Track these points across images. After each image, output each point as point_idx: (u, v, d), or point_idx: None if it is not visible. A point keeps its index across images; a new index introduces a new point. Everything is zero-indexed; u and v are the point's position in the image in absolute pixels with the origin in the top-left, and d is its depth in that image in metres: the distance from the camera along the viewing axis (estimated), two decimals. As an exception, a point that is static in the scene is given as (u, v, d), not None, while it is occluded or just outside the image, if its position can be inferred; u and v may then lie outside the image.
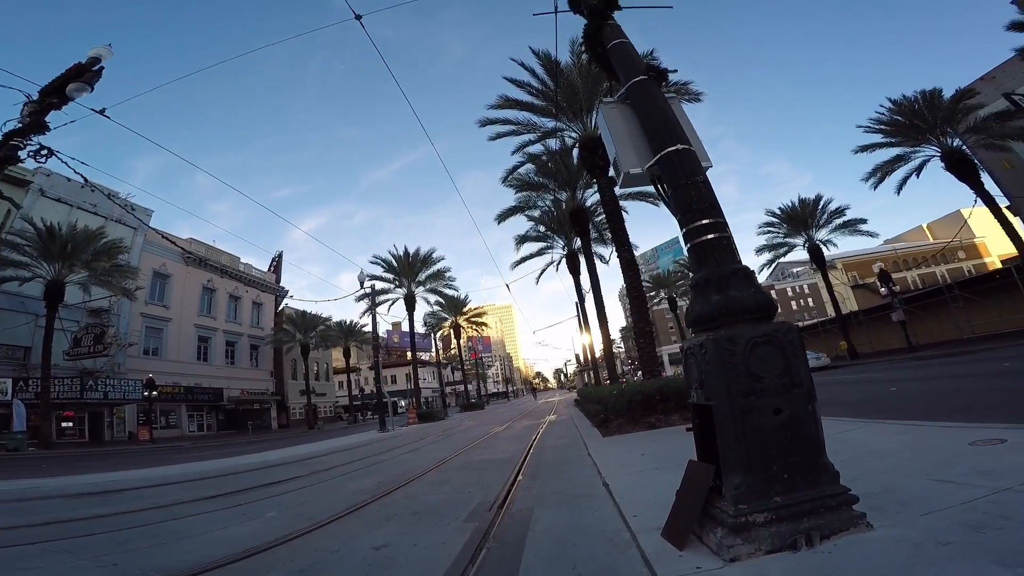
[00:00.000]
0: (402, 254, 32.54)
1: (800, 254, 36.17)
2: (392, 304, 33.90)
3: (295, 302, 52.67)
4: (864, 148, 25.07)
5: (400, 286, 32.91)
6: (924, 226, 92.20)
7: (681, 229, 3.30)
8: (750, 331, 2.70)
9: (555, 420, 15.84)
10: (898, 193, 25.73)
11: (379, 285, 32.64)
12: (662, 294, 55.70)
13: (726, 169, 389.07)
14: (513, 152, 18.66)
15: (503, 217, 22.14)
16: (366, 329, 54.90)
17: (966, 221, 40.64)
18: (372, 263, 32.81)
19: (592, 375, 29.69)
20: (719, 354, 2.67)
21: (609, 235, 25.51)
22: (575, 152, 19.26)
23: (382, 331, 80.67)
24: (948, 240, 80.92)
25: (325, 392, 53.42)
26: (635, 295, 11.88)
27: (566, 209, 22.13)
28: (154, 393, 30.74)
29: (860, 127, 24.87)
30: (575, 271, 25.34)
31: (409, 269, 32.32)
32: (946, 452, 3.85)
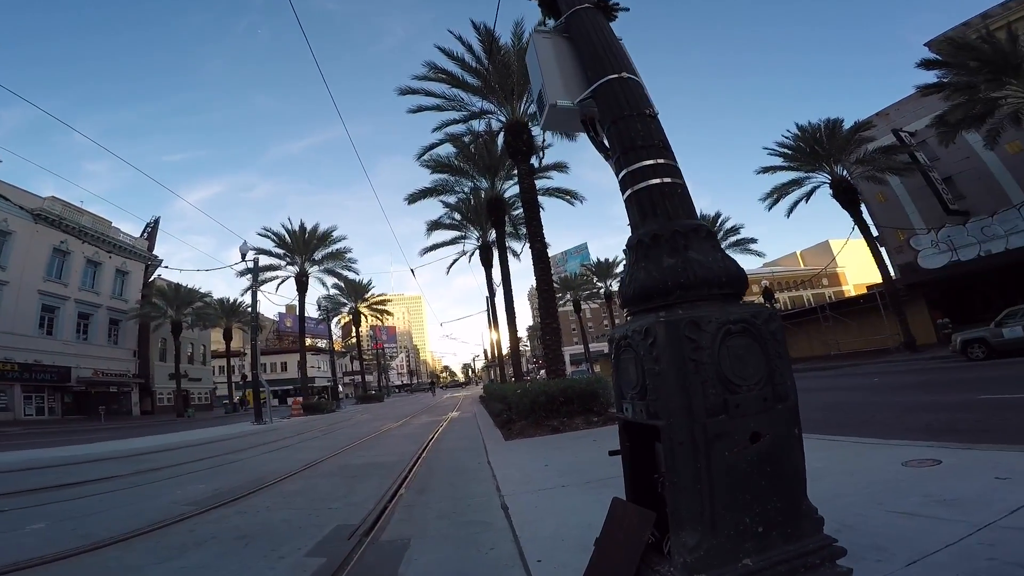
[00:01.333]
0: (297, 229, 29.48)
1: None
2: (282, 283, 30.71)
3: (169, 272, 46.47)
4: (766, 169, 26.66)
5: (292, 264, 29.87)
6: (797, 253, 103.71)
7: (618, 174, 2.41)
8: (720, 313, 1.88)
9: (457, 417, 14.88)
10: (788, 216, 27.88)
11: (268, 261, 29.52)
12: (568, 296, 56.87)
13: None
14: (434, 129, 17.26)
15: (415, 198, 20.58)
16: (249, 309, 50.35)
17: (835, 256, 45.92)
18: (261, 235, 29.42)
19: (498, 372, 29.11)
20: (676, 347, 1.81)
21: (524, 230, 25.07)
22: (500, 139, 18.43)
23: (273, 314, 75.02)
24: (818, 268, 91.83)
25: (200, 377, 47.89)
26: (544, 288, 11.23)
27: (484, 198, 21.18)
28: (-31, 369, 25.21)
29: (765, 149, 26.45)
30: (487, 263, 24.49)
31: (304, 246, 29.36)
32: (885, 475, 3.42)
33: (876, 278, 24.86)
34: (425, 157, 19.37)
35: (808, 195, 26.99)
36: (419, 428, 12.06)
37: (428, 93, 15.41)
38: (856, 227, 24.21)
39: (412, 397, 54.66)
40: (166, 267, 44.42)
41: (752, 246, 34.49)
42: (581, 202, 20.88)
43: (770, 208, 27.51)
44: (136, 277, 42.26)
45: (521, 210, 23.67)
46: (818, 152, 24.88)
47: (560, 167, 20.27)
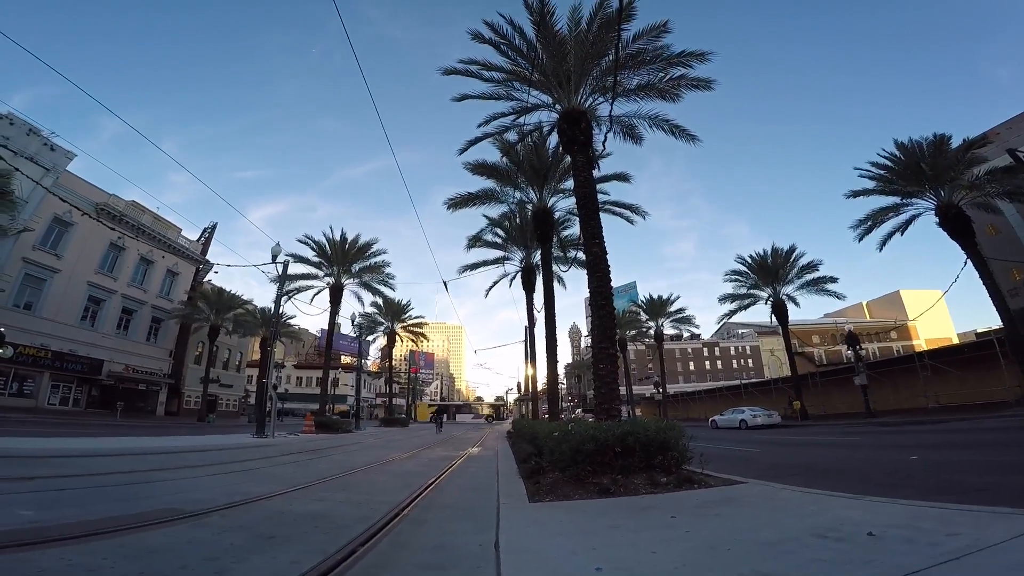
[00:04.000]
0: (337, 239, 28.29)
1: (753, 315, 36.28)
2: (317, 294, 29.35)
3: (214, 277, 46.80)
4: (856, 193, 23.65)
5: (330, 275, 28.57)
6: (864, 304, 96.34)
7: None
8: None
9: (476, 455, 12.40)
10: (880, 249, 24.52)
11: (306, 269, 28.40)
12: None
13: (688, 225, 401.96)
14: (479, 125, 15.41)
15: (457, 204, 18.65)
16: (293, 321, 49.71)
17: (926, 311, 41.15)
18: (301, 242, 28.42)
19: (531, 407, 26.37)
20: None
21: (572, 253, 22.76)
22: (551, 141, 16.51)
23: (316, 330, 75.04)
24: (887, 320, 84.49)
25: (232, 384, 47.40)
26: (601, 303, 8.73)
27: (531, 211, 19.14)
28: (-7, 352, 24.47)
29: (857, 169, 23.55)
30: (530, 287, 22.18)
31: (342, 256, 28.05)
32: None
33: (947, 334, 21.33)
34: (469, 160, 17.65)
35: (906, 225, 23.66)
36: (425, 465, 9.64)
37: (470, 74, 13.49)
38: (969, 259, 20.36)
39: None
40: (216, 272, 44.69)
41: (831, 286, 30.67)
42: (644, 218, 18.56)
43: (860, 239, 24.39)
44: (185, 279, 42.66)
45: (569, 231, 21.59)
46: (922, 173, 21.37)
47: (622, 177, 18.04)
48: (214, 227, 48.97)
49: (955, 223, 20.92)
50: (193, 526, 3.92)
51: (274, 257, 19.42)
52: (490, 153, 17.24)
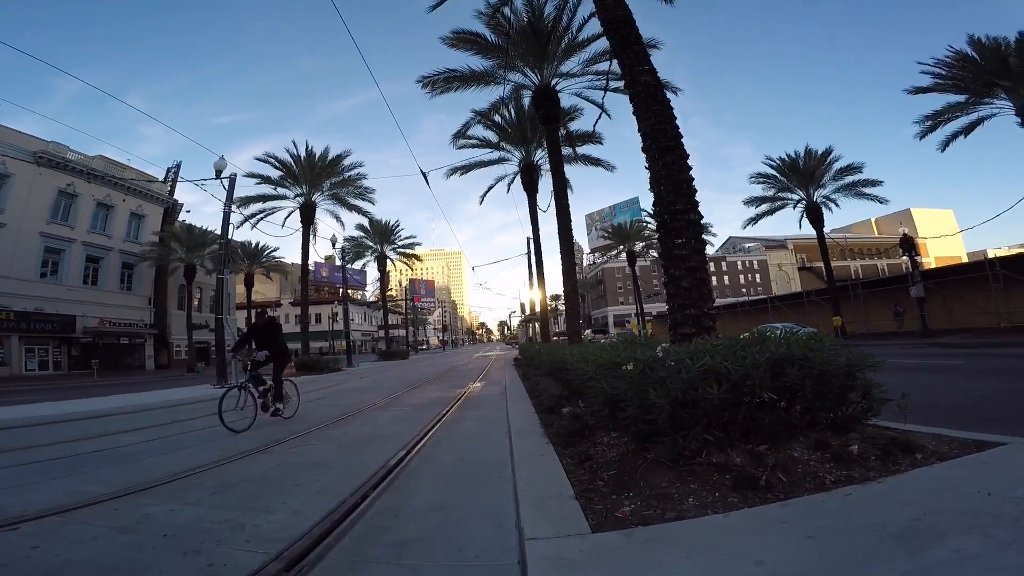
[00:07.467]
0: (303, 154, 24.26)
1: (761, 228, 35.15)
2: (289, 216, 25.92)
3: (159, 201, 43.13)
4: (920, 90, 21.23)
5: (300, 195, 24.85)
6: (872, 220, 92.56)
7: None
8: None
9: (478, 394, 9.74)
10: (943, 150, 22.35)
11: (268, 190, 24.72)
12: (613, 252, 50.23)
13: (687, 145, 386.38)
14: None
15: (435, 85, 14.32)
16: (277, 254, 46.53)
17: (947, 228, 37.67)
18: (260, 160, 24.47)
19: (537, 328, 23.80)
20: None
21: (582, 147, 19.14)
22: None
23: (311, 264, 71.66)
24: (891, 236, 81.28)
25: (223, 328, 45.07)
26: (668, 145, 5.13)
27: (532, 92, 15.24)
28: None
29: (920, 64, 21.22)
30: (532, 187, 18.61)
31: (310, 172, 24.24)
32: None
33: (957, 253, 18.97)
34: (447, 33, 13.64)
35: (972, 126, 21.17)
36: (401, 419, 6.84)
37: None
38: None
39: (443, 354, 50.00)
40: (188, 211, 41.05)
41: (870, 190, 27.38)
42: (676, 95, 14.73)
43: (922, 137, 22.47)
44: (153, 220, 38.83)
45: (576, 124, 17.80)
46: (1007, 69, 18.65)
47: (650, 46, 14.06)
48: (178, 166, 44.85)
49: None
50: None
51: (218, 173, 15.92)
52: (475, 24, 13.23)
